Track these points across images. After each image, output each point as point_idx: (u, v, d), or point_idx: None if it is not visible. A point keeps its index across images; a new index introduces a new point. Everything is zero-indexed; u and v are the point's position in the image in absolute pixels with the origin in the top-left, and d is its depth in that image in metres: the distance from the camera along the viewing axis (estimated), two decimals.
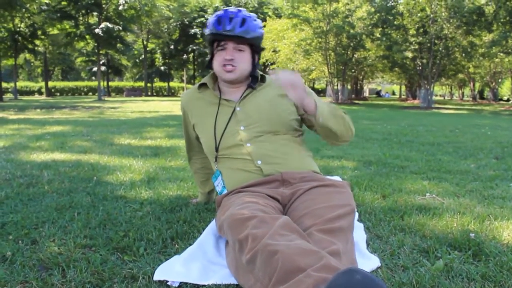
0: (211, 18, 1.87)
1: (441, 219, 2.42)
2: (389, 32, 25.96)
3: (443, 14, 23.73)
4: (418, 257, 1.85)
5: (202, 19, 41.36)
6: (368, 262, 1.73)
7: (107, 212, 2.48)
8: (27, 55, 40.68)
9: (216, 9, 41.09)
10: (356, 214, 2.00)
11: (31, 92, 47.48)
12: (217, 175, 1.94)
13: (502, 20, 22.90)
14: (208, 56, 1.94)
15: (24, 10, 26.77)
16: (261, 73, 2.01)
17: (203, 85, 2.01)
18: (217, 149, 1.89)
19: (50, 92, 41.71)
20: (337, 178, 2.85)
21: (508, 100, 42.01)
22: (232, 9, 1.86)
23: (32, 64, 49.04)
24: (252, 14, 1.88)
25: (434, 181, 3.57)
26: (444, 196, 3.04)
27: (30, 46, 32.47)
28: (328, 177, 1.97)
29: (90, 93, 48.52)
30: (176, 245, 1.96)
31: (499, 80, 40.66)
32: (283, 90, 1.82)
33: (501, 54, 25.88)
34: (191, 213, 2.43)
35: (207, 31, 1.87)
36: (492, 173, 4.00)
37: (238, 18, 1.79)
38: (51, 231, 2.13)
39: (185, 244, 1.95)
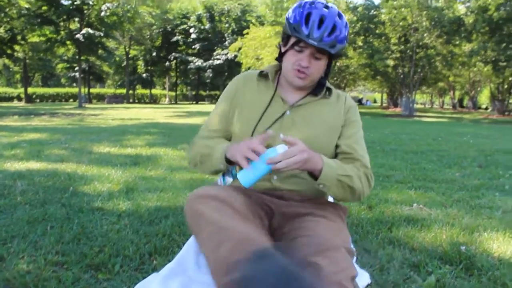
0: (298, 7, 1.54)
1: (429, 231, 2.36)
2: (371, 40, 26.21)
3: (424, 23, 24.07)
4: (409, 272, 1.78)
5: (185, 26, 41.21)
6: (357, 278, 1.64)
7: (82, 225, 2.35)
8: (6, 61, 40.00)
9: (199, 17, 41.01)
10: None
11: (9, 99, 46.57)
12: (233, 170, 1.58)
13: (481, 30, 23.34)
14: (280, 45, 1.66)
15: (2, 14, 26.31)
16: (329, 85, 1.73)
17: (263, 75, 1.74)
18: None
19: (29, 99, 40.97)
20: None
21: (486, 108, 42.78)
22: (321, 5, 1.54)
23: (11, 69, 48.23)
24: (342, 15, 1.57)
25: (420, 191, 3.52)
26: (431, 206, 2.98)
27: (9, 52, 31.89)
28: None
29: (71, 100, 47.85)
30: (155, 261, 1.85)
31: (478, 89, 41.36)
32: (341, 118, 1.65)
33: (480, 63, 26.35)
34: (171, 226, 2.32)
35: (290, 21, 1.55)
36: (477, 182, 3.97)
37: (329, 23, 1.50)
38: (20, 247, 2.00)
39: (163, 260, 1.84)
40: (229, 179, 1.55)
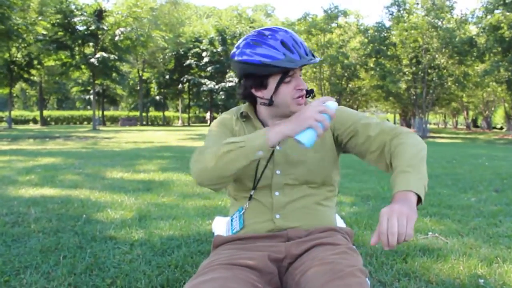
0: (266, 45, 1.41)
1: (446, 262, 2.31)
2: (383, 62, 26.30)
3: (435, 44, 24.10)
4: None
5: (197, 49, 41.76)
6: None
7: (95, 255, 2.35)
8: (23, 85, 40.82)
9: (211, 40, 41.51)
10: None
11: (25, 121, 47.42)
12: (240, 212, 1.56)
13: (494, 50, 23.28)
14: (246, 88, 1.52)
15: (21, 40, 26.98)
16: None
17: (244, 115, 1.62)
18: (254, 187, 1.53)
19: (45, 121, 41.66)
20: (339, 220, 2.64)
21: (501, 128, 42.38)
22: (278, 30, 1.45)
23: (27, 93, 49.17)
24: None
25: (436, 218, 3.46)
26: (447, 234, 2.92)
27: (26, 76, 32.60)
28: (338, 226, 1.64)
29: (85, 122, 48.54)
30: None
31: (492, 109, 41.07)
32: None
33: (494, 83, 26.20)
34: (183, 257, 2.30)
35: (275, 62, 1.41)
36: (494, 208, 3.90)
37: (297, 39, 1.45)
38: (33, 278, 1.99)
39: None
40: (237, 227, 1.49)
